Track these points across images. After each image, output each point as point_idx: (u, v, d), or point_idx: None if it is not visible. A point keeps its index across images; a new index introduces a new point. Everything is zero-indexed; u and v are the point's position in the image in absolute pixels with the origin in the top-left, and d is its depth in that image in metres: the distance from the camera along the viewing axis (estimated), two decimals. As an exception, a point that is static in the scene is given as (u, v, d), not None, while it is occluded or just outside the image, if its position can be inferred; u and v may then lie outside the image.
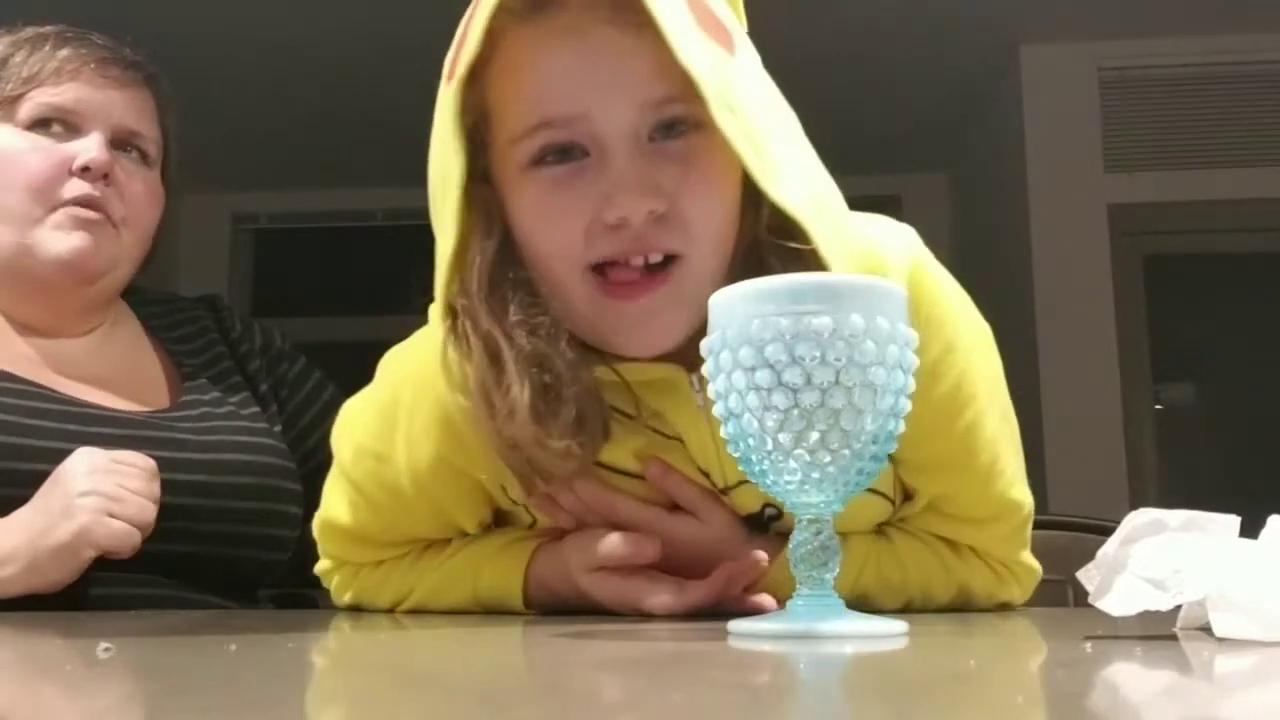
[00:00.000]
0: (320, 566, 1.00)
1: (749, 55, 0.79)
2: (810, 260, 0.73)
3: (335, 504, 0.95)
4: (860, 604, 0.86)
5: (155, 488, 1.03)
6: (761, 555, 0.82)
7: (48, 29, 1.19)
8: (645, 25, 0.73)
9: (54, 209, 1.13)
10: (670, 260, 0.77)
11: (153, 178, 1.22)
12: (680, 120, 0.77)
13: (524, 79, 0.77)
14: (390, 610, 0.95)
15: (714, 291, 0.66)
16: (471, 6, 0.78)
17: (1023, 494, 0.89)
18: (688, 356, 0.76)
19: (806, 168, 0.77)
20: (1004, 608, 0.93)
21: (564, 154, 0.77)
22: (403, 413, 0.87)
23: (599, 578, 0.85)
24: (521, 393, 0.77)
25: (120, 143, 1.18)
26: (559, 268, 0.78)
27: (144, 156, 1.21)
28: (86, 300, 1.20)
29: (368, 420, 0.90)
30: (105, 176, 1.15)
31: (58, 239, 1.13)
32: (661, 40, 0.72)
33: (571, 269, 0.78)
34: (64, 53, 1.17)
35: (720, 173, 0.78)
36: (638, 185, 0.75)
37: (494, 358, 0.78)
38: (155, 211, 1.23)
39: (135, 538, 1.00)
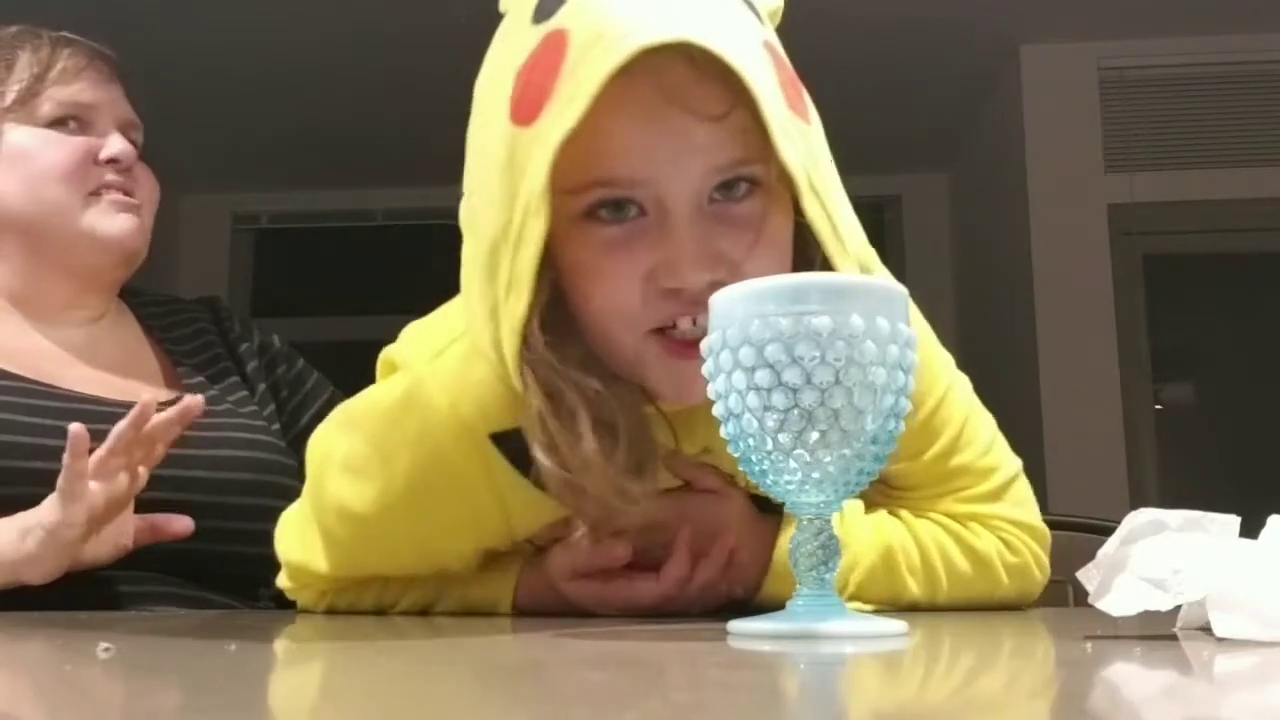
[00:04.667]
0: (285, 584, 0.96)
1: (816, 120, 0.78)
2: None
3: (311, 555, 0.91)
4: (889, 570, 0.88)
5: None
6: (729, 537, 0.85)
7: (21, 27, 1.24)
8: (734, 106, 0.71)
9: (90, 195, 1.20)
10: None
11: (146, 166, 1.27)
12: (747, 177, 0.75)
13: (590, 134, 0.70)
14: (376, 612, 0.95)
15: None
16: (545, 46, 0.72)
17: (996, 460, 0.92)
18: None
19: (854, 235, 0.77)
20: (1025, 580, 0.93)
21: (618, 208, 0.74)
22: (401, 473, 0.83)
23: (580, 584, 0.86)
24: (591, 440, 0.74)
25: (124, 134, 1.23)
26: (614, 326, 0.76)
27: (137, 145, 1.26)
28: (115, 279, 1.26)
29: (354, 482, 0.85)
30: (129, 169, 1.22)
31: (108, 221, 1.20)
32: (740, 101, 0.71)
33: (628, 329, 0.76)
34: (66, 51, 1.23)
35: (781, 235, 0.76)
36: (699, 255, 0.73)
37: (561, 409, 0.75)
38: (157, 197, 1.28)
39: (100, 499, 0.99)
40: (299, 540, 0.93)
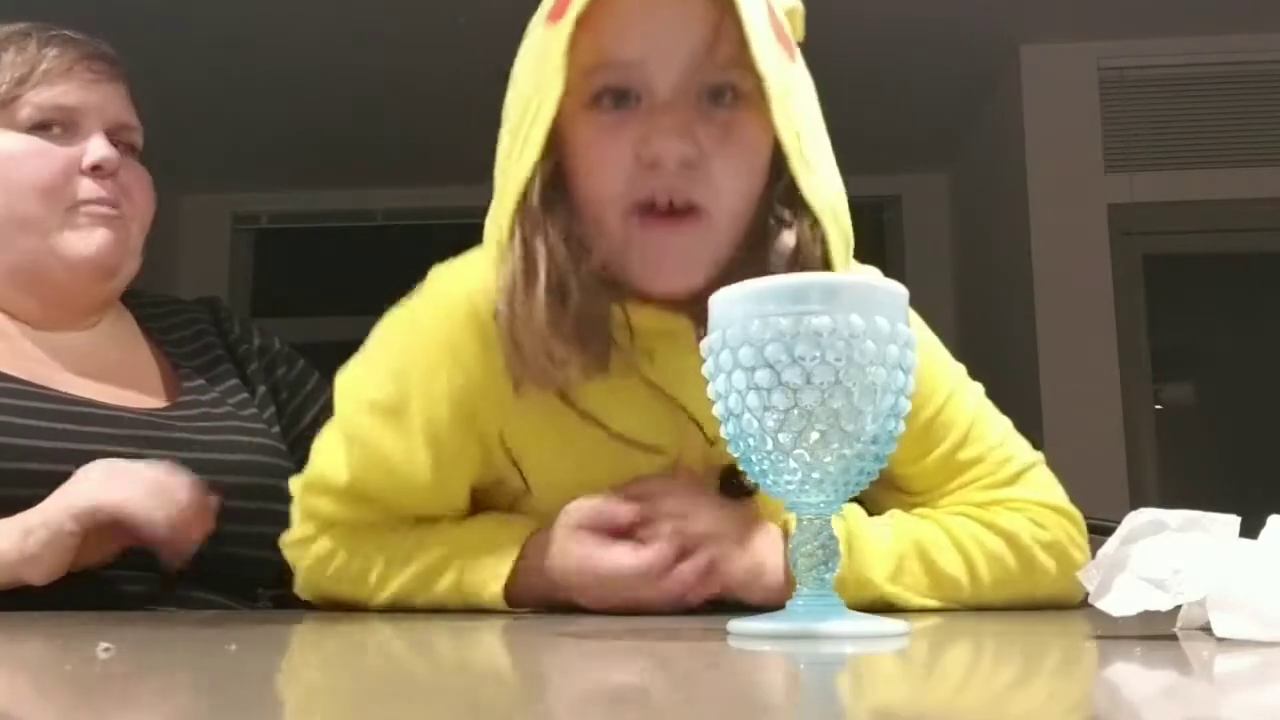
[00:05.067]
0: (296, 534, 0.99)
1: (803, 67, 0.88)
2: (807, 252, 0.84)
3: (332, 464, 0.96)
4: (924, 560, 0.88)
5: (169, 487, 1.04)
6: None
7: (18, 26, 1.20)
8: (724, 14, 0.82)
9: (68, 210, 1.15)
10: (694, 211, 0.84)
11: (143, 168, 1.24)
12: (729, 88, 0.84)
13: (597, 23, 0.82)
14: (365, 604, 0.95)
15: (730, 256, 0.83)
16: None
17: (1010, 451, 0.95)
18: (694, 311, 0.83)
19: (829, 182, 0.85)
20: (1065, 561, 0.92)
21: (620, 99, 0.84)
22: (418, 363, 0.91)
23: (578, 534, 0.87)
24: (541, 300, 0.83)
25: (114, 137, 1.20)
26: (602, 207, 0.84)
27: (133, 148, 1.23)
28: (100, 296, 1.22)
29: (379, 379, 0.93)
30: (113, 174, 1.17)
31: (81, 238, 1.15)
32: (729, 16, 0.81)
33: (613, 210, 0.84)
34: (52, 51, 1.17)
35: (754, 148, 0.85)
36: (676, 129, 0.82)
37: (529, 267, 0.83)
38: (152, 201, 1.25)
39: (128, 506, 1.00)
40: (321, 457, 0.97)
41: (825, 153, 0.86)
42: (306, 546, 0.99)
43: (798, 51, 0.87)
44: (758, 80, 0.81)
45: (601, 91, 0.84)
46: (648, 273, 0.85)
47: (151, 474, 1.02)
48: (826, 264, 0.84)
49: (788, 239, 0.85)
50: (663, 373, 0.89)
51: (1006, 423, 0.97)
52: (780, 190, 0.85)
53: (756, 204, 0.86)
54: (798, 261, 0.84)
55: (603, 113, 0.84)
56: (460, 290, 0.90)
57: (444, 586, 0.92)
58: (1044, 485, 0.95)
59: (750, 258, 0.84)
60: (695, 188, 0.83)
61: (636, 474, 0.90)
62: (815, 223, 0.83)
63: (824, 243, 0.84)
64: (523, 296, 0.83)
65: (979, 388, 0.97)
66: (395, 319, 0.95)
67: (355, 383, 0.95)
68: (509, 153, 0.85)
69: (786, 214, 0.85)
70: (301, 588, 1.01)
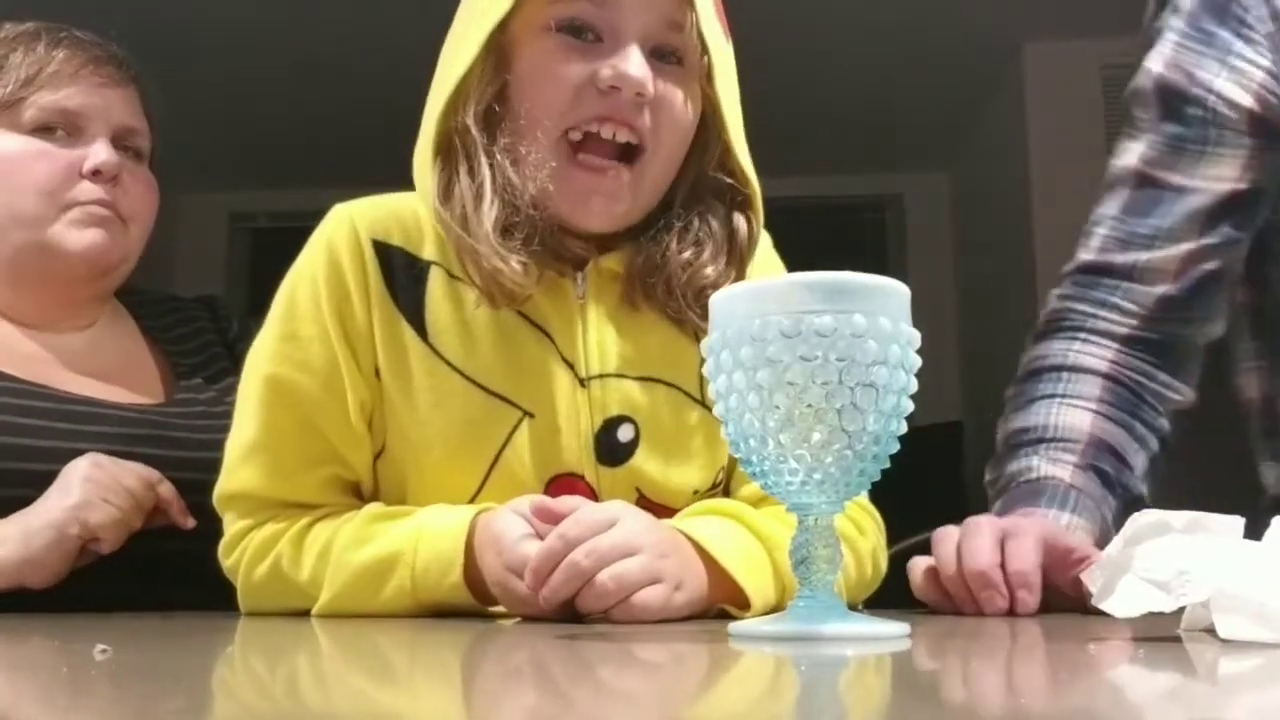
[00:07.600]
0: (227, 539, 0.95)
1: (730, 46, 0.96)
2: (738, 212, 0.95)
3: (245, 423, 0.95)
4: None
5: (148, 493, 1.05)
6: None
7: (29, 26, 1.20)
8: None
9: (65, 208, 1.16)
10: (633, 152, 0.91)
11: (148, 172, 1.25)
12: (675, 51, 0.92)
13: None
14: (308, 606, 0.92)
15: (650, 203, 0.93)
16: None
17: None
18: (579, 259, 0.94)
19: (743, 146, 0.96)
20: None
21: (579, 32, 0.90)
22: (304, 277, 0.96)
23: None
24: (491, 210, 0.89)
25: (119, 142, 1.19)
26: (544, 126, 0.90)
27: (139, 153, 1.24)
28: (95, 292, 1.22)
29: (280, 318, 0.95)
30: (114, 178, 1.17)
31: (74, 235, 1.16)
32: None
33: (554, 129, 0.90)
34: (60, 54, 1.18)
35: (689, 107, 0.93)
36: (638, 67, 0.88)
37: (474, 176, 0.90)
38: (154, 205, 1.25)
39: (122, 528, 1.01)
40: (236, 423, 0.97)
41: (740, 126, 0.95)
42: (239, 543, 0.95)
43: (729, 41, 0.95)
44: (696, 53, 0.92)
45: (572, 20, 0.90)
46: (573, 209, 0.91)
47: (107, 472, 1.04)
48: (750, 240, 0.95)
49: (738, 221, 0.95)
50: (544, 316, 0.93)
51: None
52: (715, 158, 0.95)
53: (684, 165, 0.95)
54: (734, 243, 0.94)
55: (565, 36, 0.90)
56: (343, 213, 0.96)
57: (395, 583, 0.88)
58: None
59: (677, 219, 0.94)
60: (641, 123, 0.90)
61: (487, 429, 0.90)
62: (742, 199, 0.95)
63: (749, 223, 0.95)
64: (473, 205, 0.89)
65: None
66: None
67: (263, 335, 0.97)
68: (449, 59, 0.92)
69: (715, 201, 0.95)
70: (242, 596, 0.96)
